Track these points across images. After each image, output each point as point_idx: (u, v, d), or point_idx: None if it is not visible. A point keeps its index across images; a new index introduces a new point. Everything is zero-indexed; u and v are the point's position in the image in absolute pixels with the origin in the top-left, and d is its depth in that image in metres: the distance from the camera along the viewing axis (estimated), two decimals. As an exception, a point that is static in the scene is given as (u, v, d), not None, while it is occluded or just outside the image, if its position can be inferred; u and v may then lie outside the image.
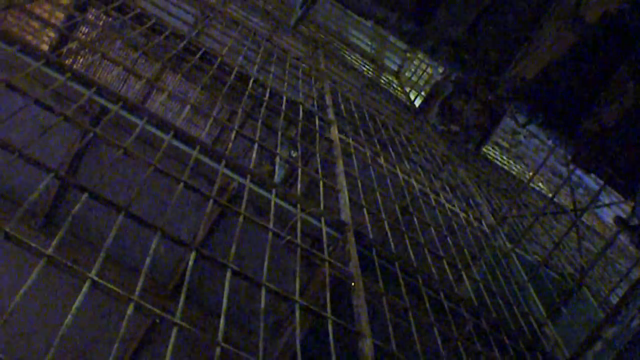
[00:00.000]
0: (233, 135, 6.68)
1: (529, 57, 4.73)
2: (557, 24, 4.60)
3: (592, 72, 4.83)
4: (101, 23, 9.98)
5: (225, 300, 4.21)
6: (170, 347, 3.60)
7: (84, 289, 3.65)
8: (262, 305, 4.43)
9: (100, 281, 3.75)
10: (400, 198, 8.29)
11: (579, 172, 17.17)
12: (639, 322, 6.03)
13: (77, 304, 3.48)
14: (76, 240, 6.20)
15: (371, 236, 6.39)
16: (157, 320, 3.86)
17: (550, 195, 14.68)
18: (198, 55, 8.26)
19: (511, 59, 4.80)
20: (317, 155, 7.54)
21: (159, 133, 5.97)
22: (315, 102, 9.57)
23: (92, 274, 3.75)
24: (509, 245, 9.37)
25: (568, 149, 5.23)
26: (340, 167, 7.48)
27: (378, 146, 9.68)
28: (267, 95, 8.33)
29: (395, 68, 20.19)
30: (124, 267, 6.23)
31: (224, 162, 5.94)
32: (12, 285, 6.08)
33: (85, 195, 4.45)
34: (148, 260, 4.15)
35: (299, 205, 5.99)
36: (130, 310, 3.70)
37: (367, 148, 9.11)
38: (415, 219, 7.74)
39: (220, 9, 12.05)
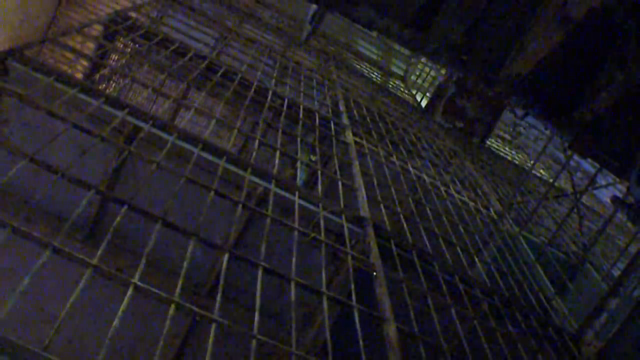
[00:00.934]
0: (256, 145, 6.68)
1: (523, 54, 4.71)
2: (546, 23, 4.58)
3: (582, 64, 4.80)
4: (129, 50, 10.01)
5: (258, 296, 4.21)
6: (210, 342, 3.60)
7: (128, 293, 3.66)
8: (293, 298, 4.42)
9: (143, 285, 3.76)
10: (413, 192, 8.27)
11: (576, 157, 17.08)
12: (640, 292, 6.01)
13: (122, 307, 3.49)
14: (118, 250, 6.21)
15: (389, 228, 6.38)
16: (197, 318, 3.85)
17: (551, 180, 14.60)
18: (220, 73, 8.26)
19: (507, 57, 4.78)
20: (335, 157, 7.53)
21: (188, 147, 5.97)
22: (329, 109, 9.56)
23: (135, 280, 3.76)
24: (516, 228, 9.34)
25: (565, 136, 5.21)
26: (356, 167, 7.46)
27: (390, 146, 9.67)
28: (285, 105, 8.33)
29: (401, 73, 20.13)
30: (163, 271, 6.23)
31: (249, 170, 5.94)
32: (62, 294, 6.09)
33: (125, 208, 4.46)
34: (185, 263, 4.16)
35: (320, 205, 5.99)
36: (172, 310, 3.70)
37: (380, 148, 9.09)
38: (428, 210, 7.72)
39: (237, 30, 12.06)
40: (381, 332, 4.61)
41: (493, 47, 4.85)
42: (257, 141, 6.75)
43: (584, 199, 16.43)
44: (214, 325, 3.77)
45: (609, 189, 15.90)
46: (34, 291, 6.14)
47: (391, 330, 4.58)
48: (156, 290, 3.78)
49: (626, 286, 6.21)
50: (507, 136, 20.24)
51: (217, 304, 3.96)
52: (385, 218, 6.67)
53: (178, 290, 3.87)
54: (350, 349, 5.00)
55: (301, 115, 8.26)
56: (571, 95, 4.94)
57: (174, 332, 6.17)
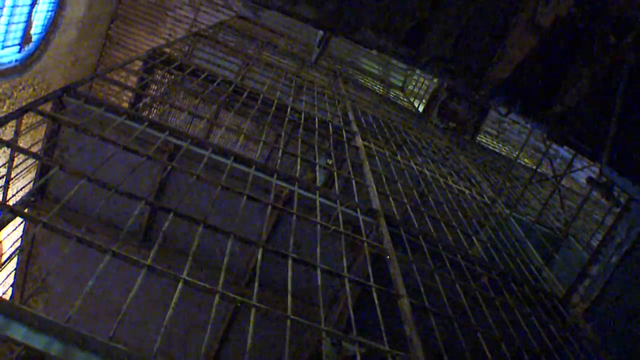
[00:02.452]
0: (280, 153, 6.68)
1: (502, 60, 4.70)
2: (520, 32, 4.56)
3: (554, 65, 4.78)
4: (166, 80, 10.04)
5: (289, 283, 4.21)
6: (251, 324, 3.61)
7: (179, 287, 3.67)
8: (319, 282, 4.42)
9: (191, 280, 3.77)
10: (417, 185, 8.25)
11: (554, 146, 17.00)
12: (617, 258, 5.96)
13: (174, 299, 3.49)
14: (168, 251, 6.22)
15: (398, 218, 6.36)
16: (239, 305, 3.85)
17: (534, 167, 14.53)
18: (245, 95, 8.27)
19: (488, 64, 4.77)
20: (347, 160, 7.52)
21: (222, 159, 5.98)
22: (340, 119, 9.55)
23: (184, 275, 3.77)
24: (507, 211, 9.30)
25: (543, 129, 5.18)
26: (366, 167, 7.45)
27: (394, 147, 9.65)
28: (303, 118, 8.33)
29: (399, 84, 20.09)
30: (207, 266, 6.24)
31: (275, 175, 5.94)
32: (123, 291, 6.12)
33: (171, 214, 4.48)
34: (226, 259, 4.16)
35: (338, 201, 5.98)
36: (216, 299, 3.71)
37: (386, 149, 9.07)
38: (431, 200, 7.70)
39: (257, 57, 12.07)
40: (396, 306, 4.60)
41: (476, 57, 4.84)
42: (280, 150, 6.76)
43: (564, 181, 16.36)
44: (253, 310, 3.77)
45: (584, 171, 15.81)
46: (98, 290, 6.17)
47: (405, 304, 4.57)
48: (202, 283, 3.79)
49: (604, 254, 6.17)
50: (493, 132, 20.17)
51: (255, 292, 3.96)
52: (394, 209, 6.66)
53: (221, 282, 3.87)
54: (371, 323, 4.99)
55: (317, 126, 8.25)
56: (546, 92, 4.92)
57: (220, 318, 6.18)
